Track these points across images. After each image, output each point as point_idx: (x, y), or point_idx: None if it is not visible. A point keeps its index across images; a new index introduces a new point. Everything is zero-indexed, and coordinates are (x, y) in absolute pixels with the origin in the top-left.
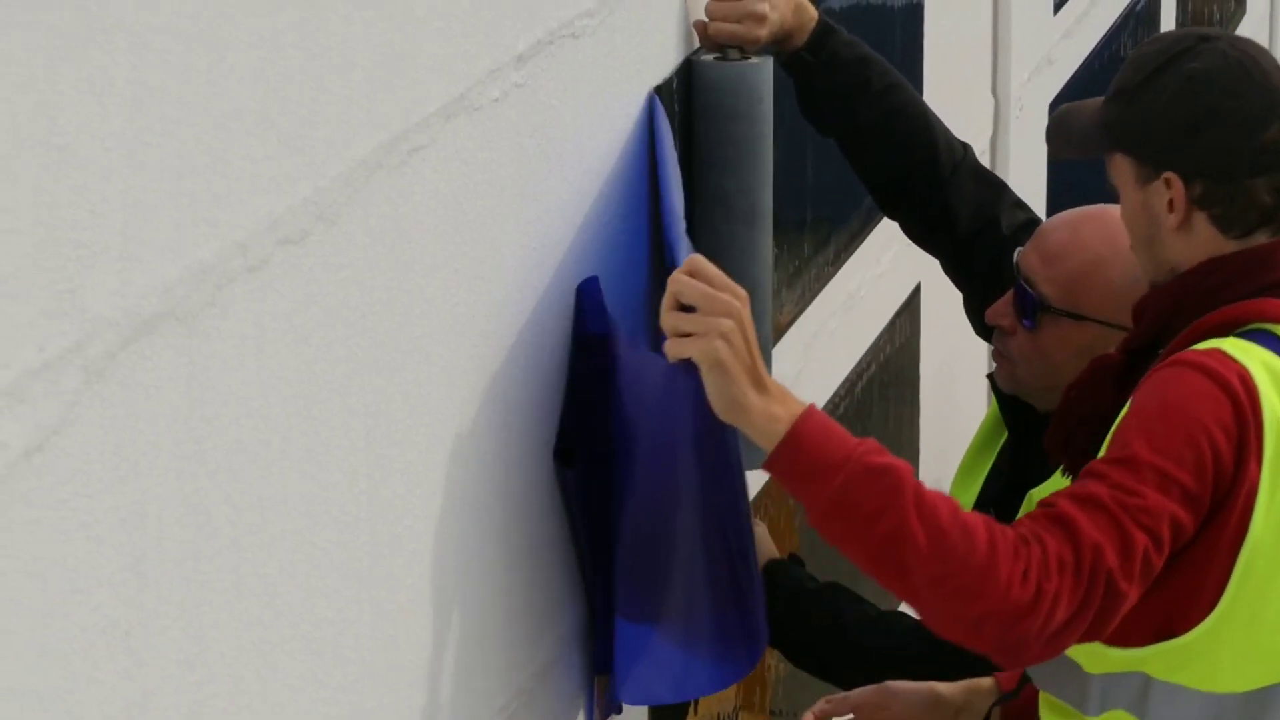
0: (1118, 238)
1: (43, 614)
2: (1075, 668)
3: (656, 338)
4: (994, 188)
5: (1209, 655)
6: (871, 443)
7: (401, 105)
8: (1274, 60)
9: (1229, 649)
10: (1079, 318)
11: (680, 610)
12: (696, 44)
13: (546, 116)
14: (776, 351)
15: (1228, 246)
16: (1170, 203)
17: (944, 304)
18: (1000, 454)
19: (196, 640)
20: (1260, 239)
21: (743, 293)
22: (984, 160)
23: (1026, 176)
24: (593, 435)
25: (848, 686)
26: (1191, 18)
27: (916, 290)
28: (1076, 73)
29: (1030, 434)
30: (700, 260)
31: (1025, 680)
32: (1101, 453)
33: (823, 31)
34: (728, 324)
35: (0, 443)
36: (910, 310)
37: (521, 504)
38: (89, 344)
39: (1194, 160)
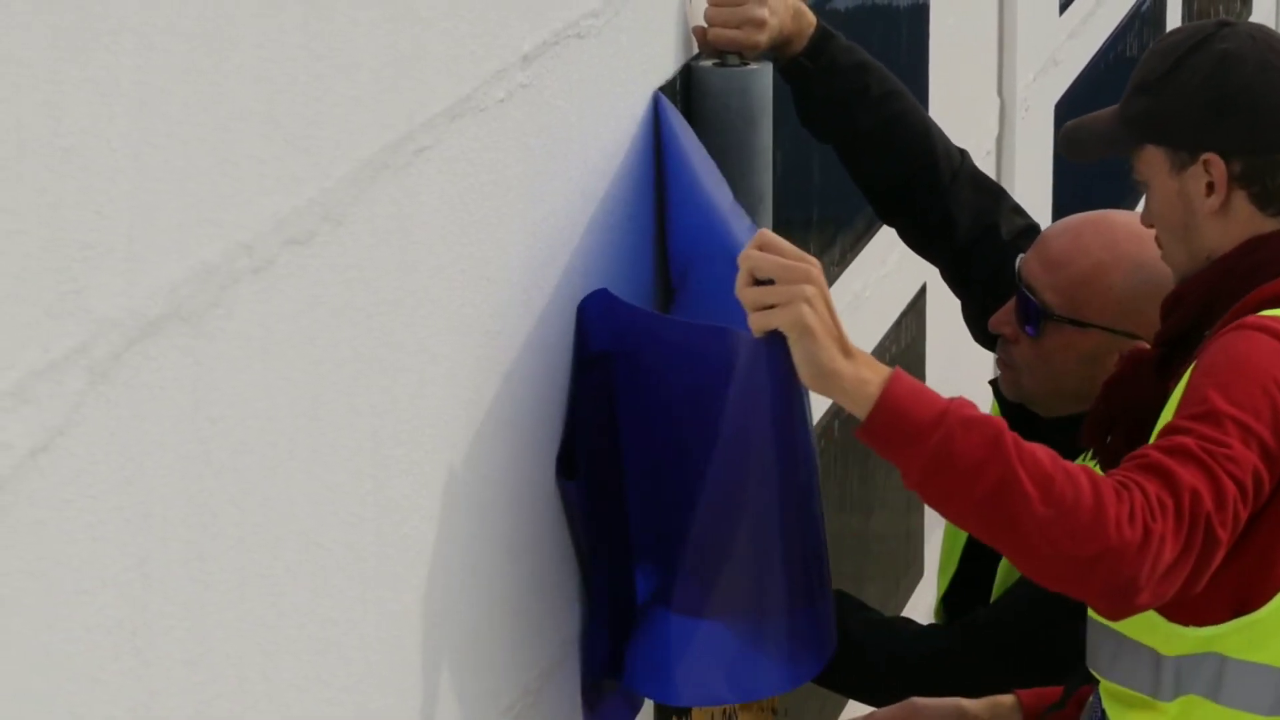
0: (1119, 243)
1: (47, 614)
2: (1149, 652)
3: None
4: (993, 194)
5: None
6: (962, 399)
7: (407, 106)
8: None
9: None
10: (1082, 324)
11: (750, 608)
12: (696, 49)
13: (552, 117)
14: None
15: (1266, 225)
16: (1209, 185)
17: (950, 304)
18: None
19: (201, 641)
20: None
21: (816, 261)
22: (989, 161)
23: (1032, 177)
24: (598, 450)
25: (852, 694)
26: (1197, 18)
27: (922, 291)
28: (1082, 73)
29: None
30: (769, 234)
31: (1070, 691)
32: (1154, 438)
33: (821, 37)
34: (810, 289)
35: (5, 443)
36: (916, 310)
37: (527, 504)
38: (94, 345)
39: (1233, 137)
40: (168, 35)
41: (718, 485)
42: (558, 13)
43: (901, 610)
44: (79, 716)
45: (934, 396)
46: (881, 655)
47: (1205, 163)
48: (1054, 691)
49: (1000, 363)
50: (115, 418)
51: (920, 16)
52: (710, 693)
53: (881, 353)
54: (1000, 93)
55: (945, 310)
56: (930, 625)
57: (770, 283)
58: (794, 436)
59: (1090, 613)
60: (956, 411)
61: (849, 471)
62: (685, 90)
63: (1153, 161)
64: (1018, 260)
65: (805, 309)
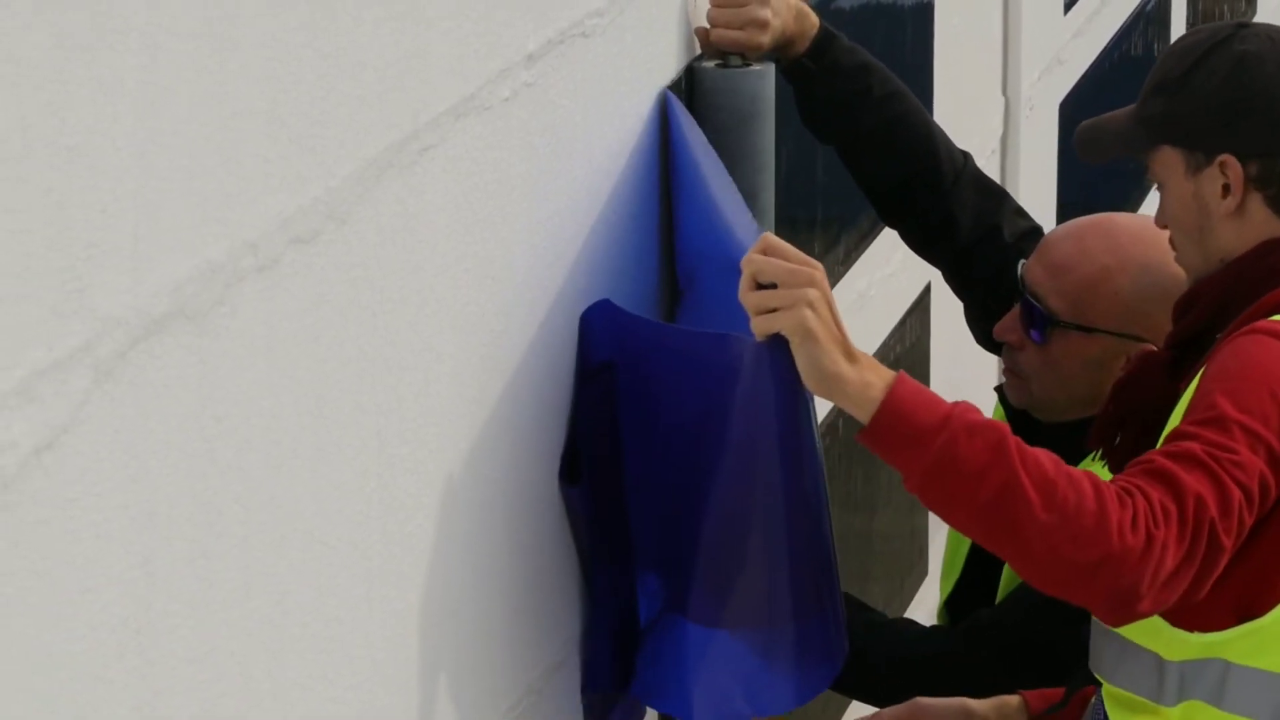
0: (1124, 246)
1: (52, 613)
2: (1153, 657)
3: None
4: (995, 196)
5: None
6: (965, 403)
7: (412, 104)
8: None
9: None
10: (1089, 330)
11: (761, 618)
12: (699, 50)
13: (557, 116)
14: None
15: None
16: (1224, 187)
17: (954, 304)
18: None
19: (206, 639)
20: None
21: (819, 265)
22: (994, 160)
23: (1036, 176)
24: (601, 458)
25: (855, 695)
26: (1202, 17)
27: (926, 290)
28: (1087, 72)
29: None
30: (772, 238)
31: (1073, 690)
32: (1161, 442)
33: (824, 38)
34: (813, 293)
35: (10, 442)
36: (920, 310)
37: (531, 502)
38: (99, 343)
39: (1249, 139)
40: (172, 34)
41: (725, 493)
42: (562, 12)
43: (906, 609)
44: (84, 715)
45: (937, 400)
46: (883, 657)
47: (1221, 165)
48: (1059, 692)
49: (1006, 370)
50: (120, 416)
51: (925, 15)
52: (729, 707)
53: (886, 352)
54: (1005, 92)
55: (950, 310)
56: (933, 627)
57: (773, 287)
58: (799, 441)
59: (1094, 617)
60: (960, 416)
61: (854, 470)
62: (688, 91)
63: (1168, 163)
64: (1020, 266)
65: (808, 313)
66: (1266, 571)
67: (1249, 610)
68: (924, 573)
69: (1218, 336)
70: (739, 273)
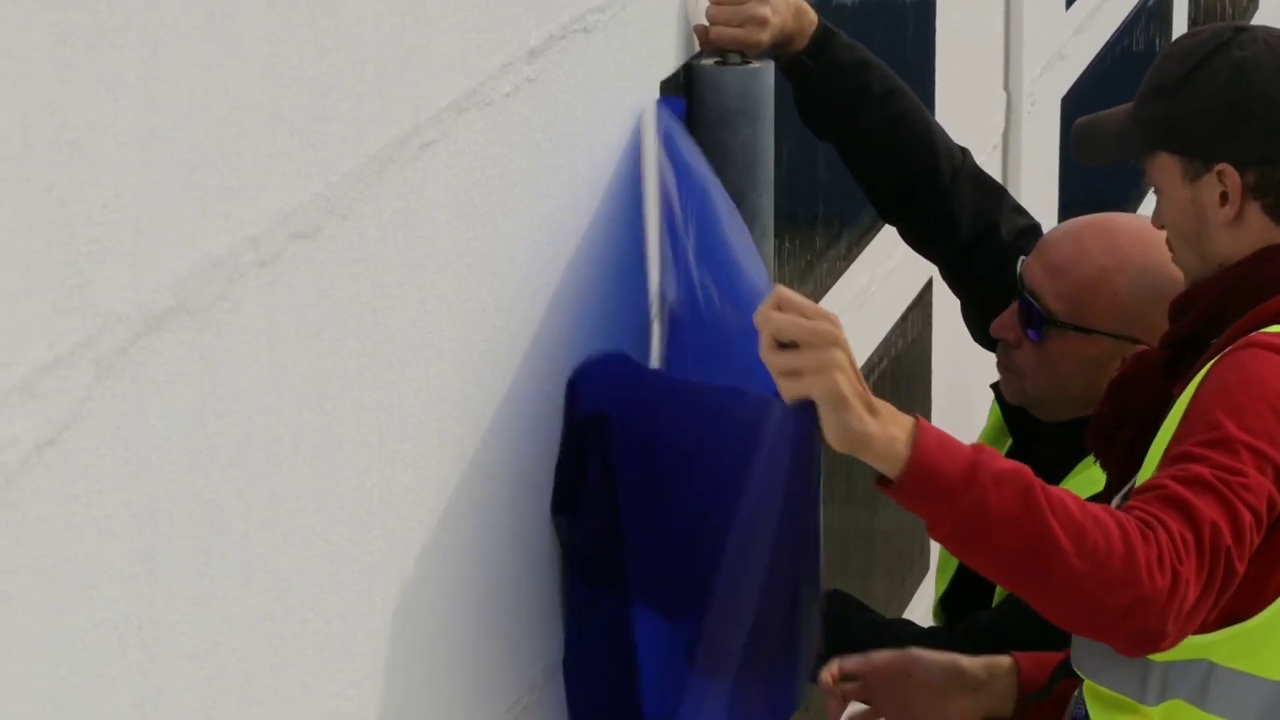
0: (1123, 248)
1: (54, 609)
2: (1138, 657)
3: (666, 330)
4: (993, 193)
5: (1275, 641)
6: (984, 448)
7: (413, 100)
8: None
9: None
10: (1086, 330)
11: (744, 663)
12: (697, 48)
13: (558, 111)
14: None
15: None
16: (1222, 195)
17: (955, 300)
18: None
19: (208, 636)
20: None
21: (835, 316)
22: (995, 156)
23: (1038, 172)
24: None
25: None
26: (1204, 13)
27: (928, 286)
28: (1089, 68)
29: (1035, 441)
30: (786, 292)
31: (1055, 679)
32: (1159, 448)
33: (823, 35)
34: (840, 355)
35: (12, 438)
36: (922, 306)
37: (532, 499)
38: (100, 339)
39: (1249, 148)
40: (173, 30)
41: (729, 542)
42: (564, 7)
43: (907, 605)
44: (86, 711)
45: (959, 447)
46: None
47: (1219, 173)
48: (1052, 657)
49: (1002, 367)
50: (121, 412)
51: (926, 11)
52: None
53: (888, 348)
54: (1007, 87)
55: (951, 306)
56: (931, 628)
57: (794, 345)
58: (808, 497)
59: None
60: (985, 465)
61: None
62: (686, 89)
63: (1166, 168)
64: (1019, 264)
65: (839, 377)
66: (1258, 576)
67: (1237, 614)
68: (925, 569)
69: (1214, 341)
70: (748, 312)
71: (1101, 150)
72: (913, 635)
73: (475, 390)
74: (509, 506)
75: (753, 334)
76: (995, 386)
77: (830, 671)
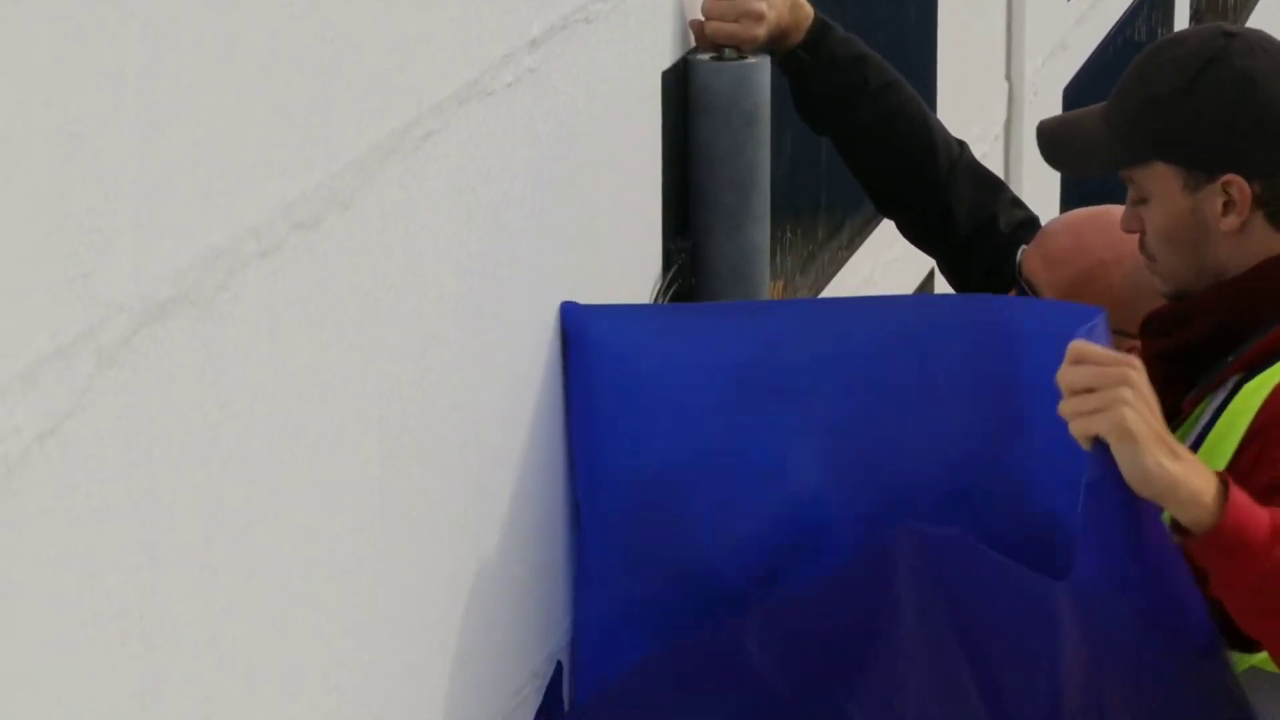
0: (1120, 241)
1: (55, 600)
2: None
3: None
4: (991, 187)
5: None
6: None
7: (415, 90)
8: None
9: None
10: None
11: None
12: (693, 43)
13: (560, 101)
14: None
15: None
16: (1225, 205)
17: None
18: None
19: (209, 626)
20: None
21: (1137, 361)
22: (997, 146)
23: (1039, 162)
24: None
25: None
26: (1206, 4)
27: (930, 275)
28: (1090, 58)
29: None
30: (1082, 345)
31: None
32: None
33: (819, 29)
34: (1127, 392)
35: (13, 428)
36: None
37: (534, 487)
38: (102, 329)
39: (1261, 160)
40: (175, 20)
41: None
42: None
43: None
44: (87, 702)
45: (1259, 510)
46: None
47: (1225, 184)
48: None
49: None
50: (123, 402)
51: (928, 2)
52: None
53: None
54: (1009, 77)
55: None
56: None
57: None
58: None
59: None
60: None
61: None
62: (682, 84)
63: (1162, 179)
64: (1020, 252)
65: (1126, 411)
66: None
67: None
68: None
69: (1231, 358)
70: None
71: (1079, 161)
72: None
73: (476, 379)
74: (511, 496)
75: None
76: None
77: None
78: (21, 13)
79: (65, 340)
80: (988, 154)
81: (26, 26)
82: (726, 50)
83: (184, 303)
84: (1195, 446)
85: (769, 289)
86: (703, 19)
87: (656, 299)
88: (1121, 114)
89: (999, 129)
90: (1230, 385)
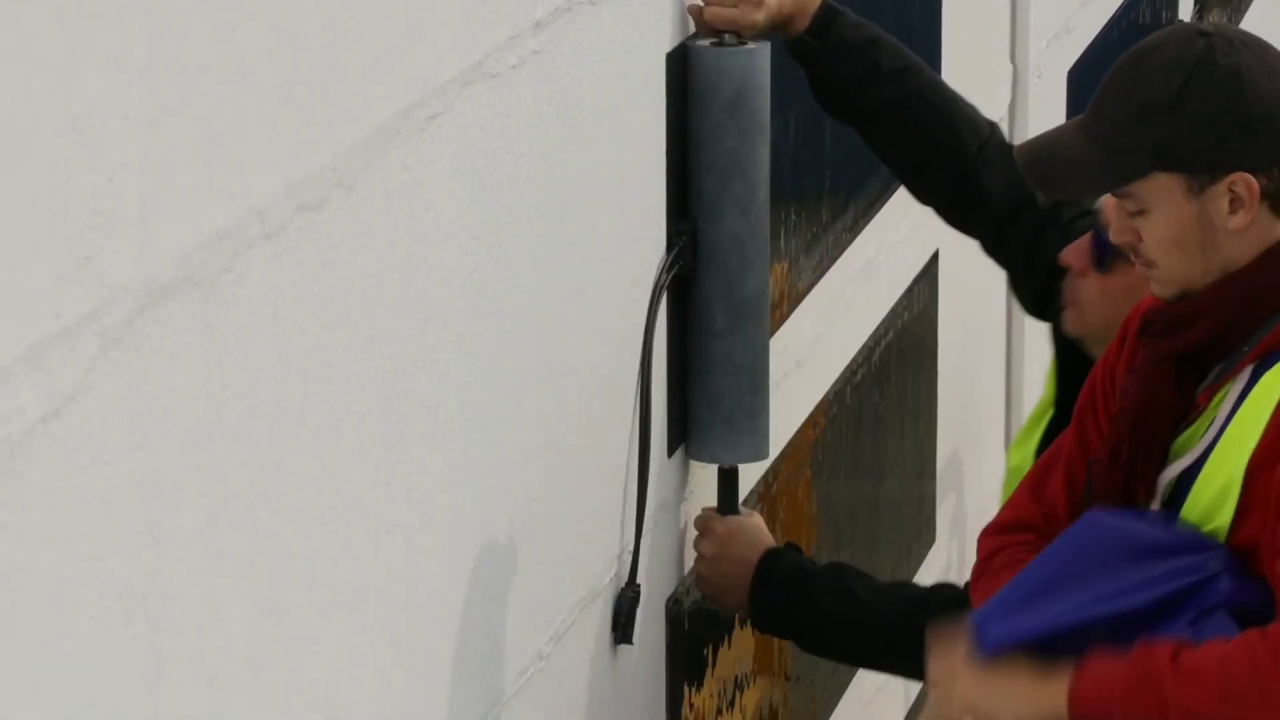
0: None
1: (59, 580)
2: None
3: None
4: None
5: None
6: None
7: (419, 72)
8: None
9: None
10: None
11: None
12: (692, 29)
13: (564, 83)
14: (794, 317)
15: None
16: (1231, 204)
17: (962, 271)
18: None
19: (213, 605)
20: None
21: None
22: (1002, 128)
23: None
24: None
25: (864, 662)
26: None
27: (935, 257)
28: (1095, 40)
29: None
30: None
31: None
32: (1213, 479)
33: (826, 14)
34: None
35: (17, 409)
36: (929, 277)
37: (536, 467)
38: (106, 311)
39: (1263, 155)
40: (180, 5)
41: None
42: None
43: (914, 575)
44: (91, 682)
45: (1112, 673)
46: (893, 610)
47: (1231, 183)
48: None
49: (1066, 298)
50: (127, 384)
51: None
52: None
53: (894, 319)
54: (1013, 59)
55: (958, 277)
56: (935, 585)
57: None
58: None
59: None
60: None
61: (862, 438)
62: (681, 69)
63: (1162, 188)
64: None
65: None
66: None
67: None
68: (931, 539)
69: (1246, 348)
70: None
71: (1075, 188)
72: (918, 596)
73: (480, 361)
74: (513, 474)
75: None
76: (1053, 326)
77: None
78: None
79: (69, 322)
80: None
81: (31, 11)
82: (726, 35)
83: (188, 284)
84: (1216, 438)
85: (767, 273)
86: (700, 4)
87: (659, 280)
88: (1109, 129)
89: (1003, 111)
90: (1247, 375)
